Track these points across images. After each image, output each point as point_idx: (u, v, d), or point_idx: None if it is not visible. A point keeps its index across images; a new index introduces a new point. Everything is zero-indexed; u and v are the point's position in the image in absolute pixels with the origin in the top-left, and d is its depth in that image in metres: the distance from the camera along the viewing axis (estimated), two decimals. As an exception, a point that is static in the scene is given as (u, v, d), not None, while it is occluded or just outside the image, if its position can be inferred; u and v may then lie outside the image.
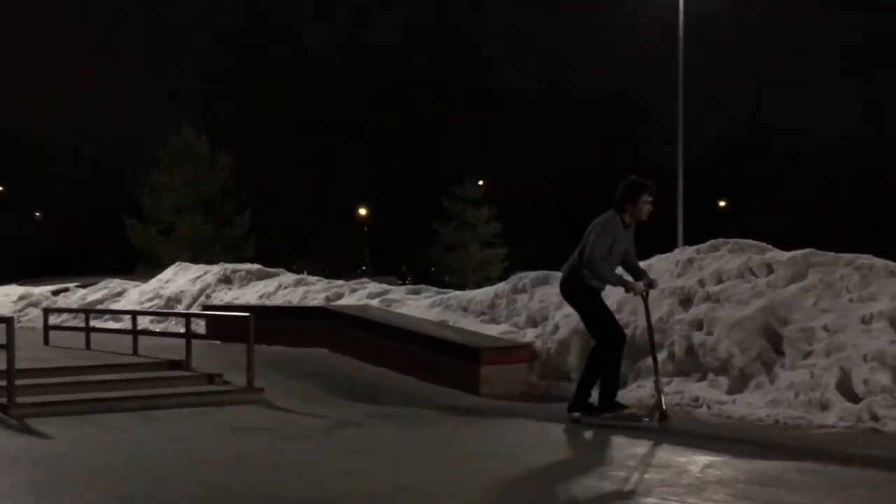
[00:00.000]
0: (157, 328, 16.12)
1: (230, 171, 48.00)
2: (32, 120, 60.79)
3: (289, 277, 18.52)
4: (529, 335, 11.83)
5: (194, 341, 11.68)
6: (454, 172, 59.50)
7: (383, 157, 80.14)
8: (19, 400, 9.22)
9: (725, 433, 8.12)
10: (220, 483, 6.51)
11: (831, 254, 10.73)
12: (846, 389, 8.71)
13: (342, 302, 15.96)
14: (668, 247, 13.49)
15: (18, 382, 9.32)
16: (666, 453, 7.39)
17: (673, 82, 32.49)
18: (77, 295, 22.02)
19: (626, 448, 7.61)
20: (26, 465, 7.10)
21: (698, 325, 10.28)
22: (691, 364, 10.04)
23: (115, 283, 22.02)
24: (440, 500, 6.06)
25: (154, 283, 20.94)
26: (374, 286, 16.96)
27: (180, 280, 20.14)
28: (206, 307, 17.16)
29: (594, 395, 8.94)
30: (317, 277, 19.04)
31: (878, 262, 10.41)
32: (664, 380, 10.02)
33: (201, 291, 18.82)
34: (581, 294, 8.89)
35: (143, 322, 15.60)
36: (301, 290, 17.33)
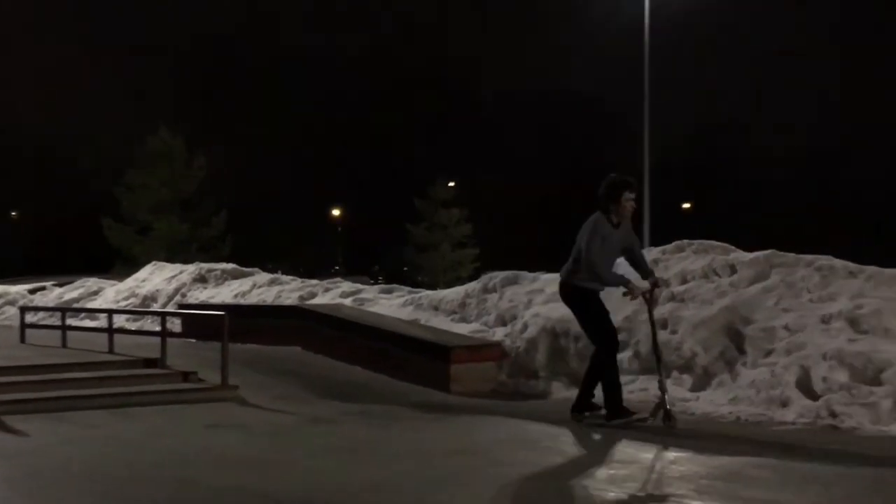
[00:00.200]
0: (133, 327, 16.02)
1: (206, 172, 47.83)
2: (8, 120, 60.32)
3: (263, 277, 18.47)
4: (499, 334, 11.85)
5: (170, 340, 11.62)
6: (426, 174, 59.62)
7: (357, 158, 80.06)
8: (-4, 397, 9.16)
9: (689, 430, 8.16)
10: (194, 479, 6.49)
11: (792, 255, 10.81)
12: (805, 387, 8.78)
13: (316, 301, 15.93)
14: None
15: (-5, 380, 9.26)
16: (631, 449, 7.41)
17: (639, 86, 32.60)
18: (54, 293, 21.86)
19: (593, 444, 7.63)
20: (1, 461, 7.06)
21: (663, 324, 10.32)
22: (656, 362, 10.07)
23: (91, 282, 21.88)
24: (411, 496, 6.07)
25: (130, 282, 20.82)
26: (347, 285, 16.94)
27: (156, 279, 20.04)
28: (181, 306, 17.09)
29: (597, 395, 8.85)
30: (291, 277, 18.97)
31: (838, 262, 10.49)
32: (630, 377, 10.07)
33: (177, 290, 18.74)
34: (577, 297, 8.76)
35: (119, 320, 15.50)
36: (275, 289, 17.28)
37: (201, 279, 19.03)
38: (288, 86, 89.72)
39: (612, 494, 5.93)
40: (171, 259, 28.50)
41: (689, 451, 7.26)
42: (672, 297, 10.67)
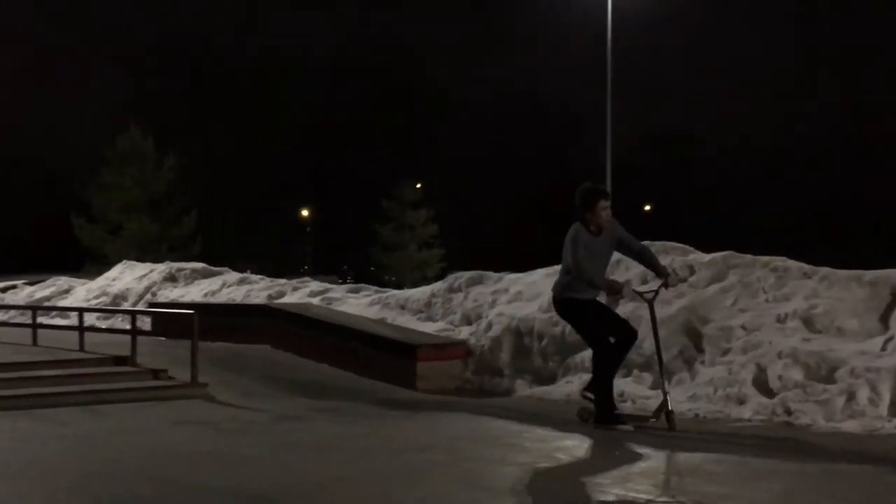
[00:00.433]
0: (104, 325, 15.86)
1: (177, 172, 47.56)
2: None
3: (233, 276, 18.38)
4: (464, 333, 11.85)
5: (140, 338, 11.54)
6: (393, 175, 59.57)
7: (326, 159, 79.79)
8: (-34, 395, 9.06)
9: (648, 427, 8.19)
10: (163, 475, 6.44)
11: (749, 256, 10.88)
12: (762, 385, 8.84)
13: (284, 300, 15.87)
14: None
15: (-35, 378, 9.16)
16: (591, 446, 7.44)
17: (602, 89, 32.74)
18: (25, 292, 21.63)
19: (556, 441, 7.65)
20: (-28, 458, 6.98)
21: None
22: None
23: (62, 281, 21.68)
24: (378, 491, 6.05)
25: (101, 280, 20.66)
26: (315, 285, 16.89)
27: (127, 278, 19.89)
28: (151, 304, 16.99)
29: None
30: (260, 276, 18.90)
31: (793, 263, 10.57)
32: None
33: (147, 289, 18.62)
34: (568, 310, 8.67)
35: (90, 319, 15.34)
36: (244, 288, 17.21)
37: (171, 278, 18.92)
38: (258, 87, 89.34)
39: (573, 490, 5.95)
40: (141, 258, 28.31)
41: (649, 447, 7.29)
42: (633, 297, 10.70)
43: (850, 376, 8.38)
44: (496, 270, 13.65)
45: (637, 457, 6.99)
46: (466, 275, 13.39)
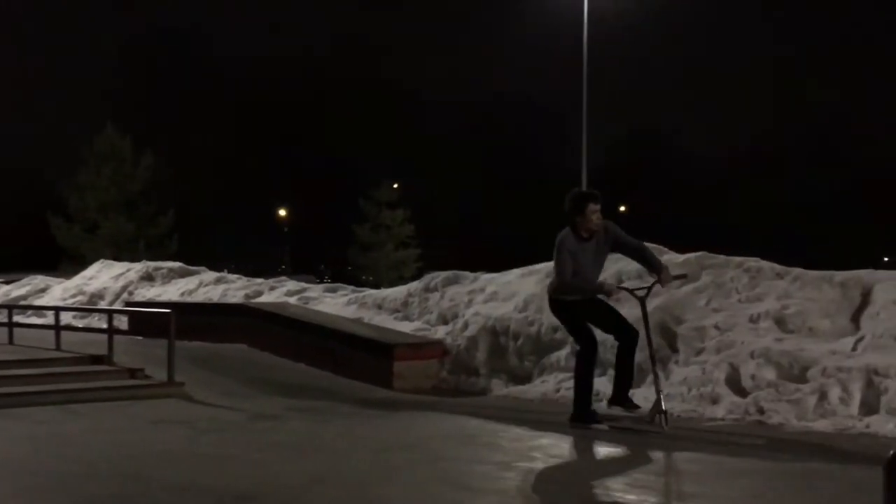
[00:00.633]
0: (80, 324, 15.76)
1: (154, 172, 47.34)
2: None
3: (210, 275, 18.31)
4: (440, 332, 11.85)
5: (117, 337, 11.48)
6: (370, 175, 59.48)
7: (303, 159, 79.63)
8: (-59, 394, 8.98)
9: (623, 426, 8.20)
10: (139, 475, 6.40)
11: (722, 256, 10.92)
12: (735, 384, 8.87)
13: (261, 299, 15.83)
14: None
15: (-59, 377, 9.08)
16: (567, 445, 7.46)
17: (578, 90, 32.81)
18: (0, 291, 21.47)
19: (531, 440, 7.66)
20: (-52, 458, 6.92)
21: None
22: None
23: (38, 280, 21.52)
24: (355, 490, 6.04)
25: (77, 279, 20.53)
26: (292, 284, 16.86)
27: (103, 277, 19.78)
28: (128, 304, 16.90)
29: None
30: (237, 275, 18.84)
31: (766, 264, 10.62)
32: (567, 374, 10.11)
33: (124, 288, 18.52)
34: (557, 309, 8.68)
35: (67, 318, 15.26)
36: (221, 287, 17.14)
37: (148, 277, 18.82)
38: (236, 86, 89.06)
39: (548, 489, 5.96)
40: (118, 257, 28.17)
41: (623, 446, 7.31)
42: (608, 297, 10.72)
43: (821, 376, 8.43)
44: (472, 270, 13.67)
45: (612, 456, 7.01)
46: (443, 275, 13.40)
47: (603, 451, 7.18)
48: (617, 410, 8.44)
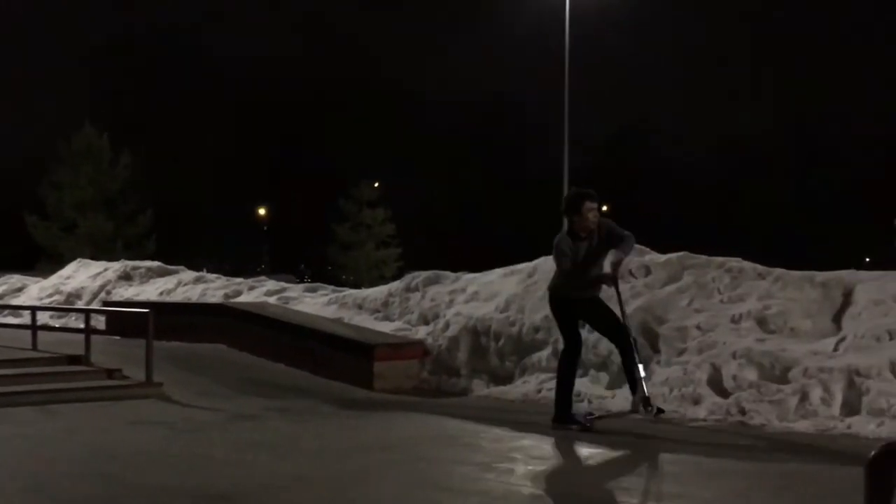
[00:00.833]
0: (57, 324, 15.68)
1: (132, 170, 47.14)
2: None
3: (188, 275, 18.23)
4: (421, 332, 11.84)
5: (94, 337, 11.42)
6: (350, 174, 59.39)
7: (283, 157, 79.44)
8: (-85, 394, 8.91)
9: (604, 426, 8.22)
10: (117, 476, 6.37)
11: (704, 257, 10.95)
12: (716, 385, 8.90)
13: (241, 299, 15.77)
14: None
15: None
16: (549, 446, 7.46)
17: (560, 90, 32.85)
18: (-24, 290, 21.34)
19: (512, 441, 7.66)
20: (-79, 459, 6.86)
21: (581, 323, 10.38)
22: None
23: (15, 279, 21.38)
24: (334, 491, 6.03)
25: (54, 279, 20.40)
26: (271, 284, 16.80)
27: (81, 276, 19.66)
28: (106, 303, 16.80)
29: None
30: (216, 275, 18.76)
31: (747, 264, 10.65)
32: (549, 375, 10.12)
33: (101, 288, 18.41)
34: (554, 306, 8.62)
35: (43, 317, 15.17)
36: (200, 287, 17.07)
37: (126, 277, 18.72)
38: (214, 85, 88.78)
39: (529, 490, 5.96)
40: (96, 256, 28.01)
41: (604, 447, 7.32)
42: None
43: (803, 376, 8.46)
44: (453, 270, 13.66)
45: (593, 457, 7.01)
46: (423, 274, 13.39)
47: (584, 452, 7.19)
48: (641, 411, 8.31)
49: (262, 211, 68.22)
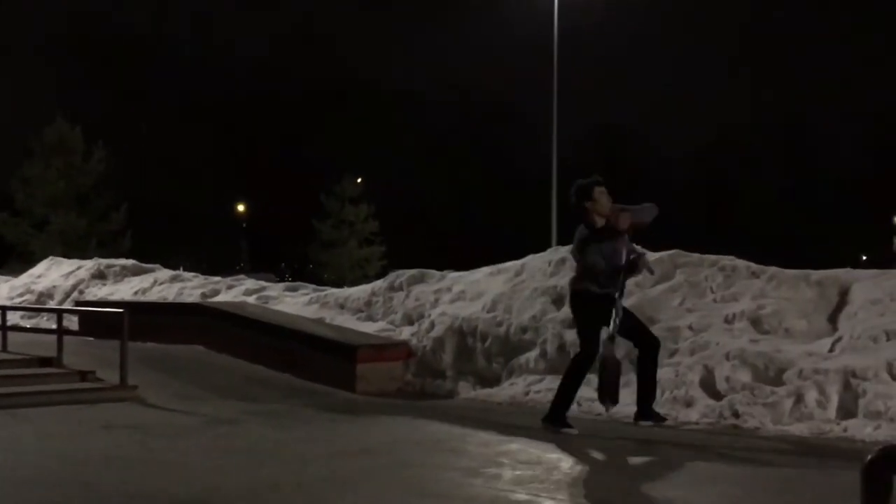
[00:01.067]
0: (28, 324, 15.63)
1: (106, 165, 46.97)
2: None
3: (164, 273, 18.20)
4: (405, 333, 11.84)
5: (66, 338, 11.37)
6: (333, 170, 59.31)
7: (262, 153, 79.30)
8: None
9: (595, 430, 8.23)
10: (90, 482, 6.35)
11: (696, 255, 10.99)
12: (709, 387, 8.92)
13: (219, 298, 15.75)
14: (541, 246, 13.65)
15: None
16: (537, 450, 7.46)
17: (548, 87, 32.90)
18: (-56, 289, 21.24)
19: (499, 445, 7.66)
20: None
21: (570, 323, 10.38)
22: (563, 362, 10.12)
23: (-17, 278, 21.32)
24: (315, 498, 6.02)
25: (25, 277, 20.32)
26: (251, 283, 16.78)
27: (53, 275, 19.60)
28: (79, 303, 16.74)
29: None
30: (193, 273, 18.73)
31: (741, 263, 10.69)
32: (537, 377, 10.14)
33: (74, 287, 18.35)
34: (581, 304, 8.43)
35: (14, 318, 15.11)
36: (177, 286, 17.04)
37: (100, 275, 18.67)
38: (192, 80, 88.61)
39: (518, 496, 5.96)
40: (68, 254, 27.93)
41: (596, 451, 7.33)
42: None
43: (798, 378, 8.50)
44: (439, 269, 13.67)
45: (583, 461, 7.02)
46: (408, 273, 13.39)
47: (573, 456, 7.19)
48: (646, 424, 8.34)
49: (240, 207, 68.08)
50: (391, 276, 13.72)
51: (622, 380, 9.47)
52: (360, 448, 7.58)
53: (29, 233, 45.26)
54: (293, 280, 24.28)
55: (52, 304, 17.66)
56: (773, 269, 10.45)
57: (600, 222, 8.37)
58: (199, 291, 16.41)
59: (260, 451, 7.48)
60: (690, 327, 9.74)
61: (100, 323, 12.68)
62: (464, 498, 5.93)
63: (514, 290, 11.40)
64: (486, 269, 12.63)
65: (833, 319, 9.55)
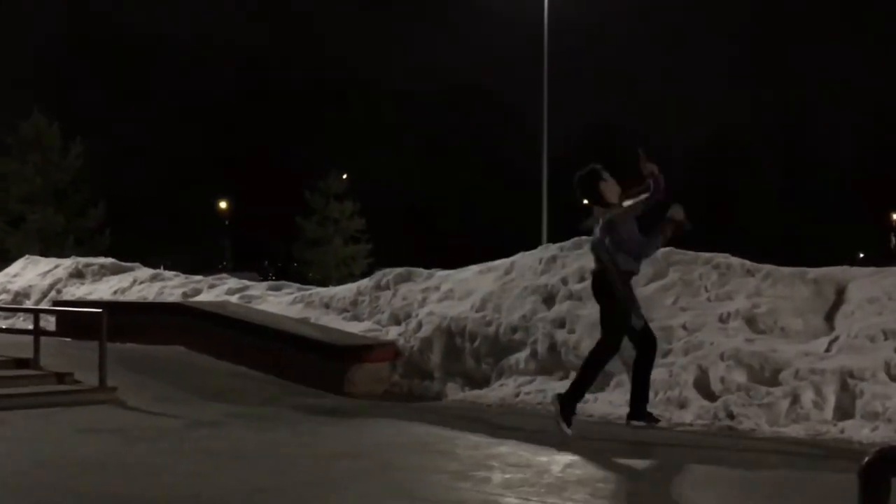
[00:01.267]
0: (4, 325, 15.59)
1: (84, 161, 46.86)
2: None
3: (144, 272, 18.16)
4: (392, 333, 11.83)
5: (43, 339, 11.34)
6: (318, 166, 59.20)
7: (245, 149, 79.15)
8: None
9: (587, 432, 8.24)
10: (69, 486, 6.33)
11: (691, 252, 11.00)
12: (703, 388, 8.94)
13: (200, 298, 15.72)
14: (532, 244, 13.66)
15: None
16: (527, 453, 7.46)
17: (539, 82, 32.94)
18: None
19: (488, 448, 7.66)
20: None
21: (561, 323, 10.42)
22: (554, 362, 10.18)
23: (-42, 278, 21.23)
24: (296, 501, 6.01)
25: (1, 277, 20.26)
26: (233, 282, 16.77)
27: (29, 274, 19.54)
28: (56, 303, 16.71)
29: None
30: (174, 272, 18.70)
31: (735, 260, 10.71)
32: (527, 378, 10.15)
33: (51, 286, 18.30)
34: (614, 288, 8.18)
35: (-11, 318, 15.10)
36: (157, 285, 17.01)
37: (78, 274, 18.62)
38: (173, 74, 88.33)
39: (508, 499, 5.96)
40: (45, 253, 27.90)
41: (586, 454, 7.33)
42: (570, 296, 10.78)
43: (794, 378, 8.51)
44: (426, 267, 13.66)
45: (574, 464, 7.02)
46: (395, 271, 13.39)
47: (564, 459, 7.19)
48: (638, 425, 8.24)
49: (223, 204, 67.92)
50: (377, 274, 13.72)
51: (614, 380, 9.53)
52: (345, 451, 7.57)
53: (5, 230, 45.14)
54: (277, 279, 24.24)
55: (28, 304, 17.61)
56: (768, 268, 10.46)
57: (610, 192, 8.31)
58: (180, 291, 16.38)
59: (242, 455, 7.47)
60: (684, 327, 9.76)
61: (78, 323, 12.65)
62: (452, 502, 5.93)
63: (504, 289, 11.40)
64: (474, 268, 12.62)
65: (830, 318, 9.57)
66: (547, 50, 31.94)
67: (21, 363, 10.92)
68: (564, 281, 11.06)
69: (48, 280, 18.65)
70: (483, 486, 6.32)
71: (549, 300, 10.92)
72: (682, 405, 8.81)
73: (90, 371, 10.38)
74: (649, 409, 8.53)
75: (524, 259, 12.15)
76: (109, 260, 19.52)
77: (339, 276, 48.91)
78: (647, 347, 8.40)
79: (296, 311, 13.62)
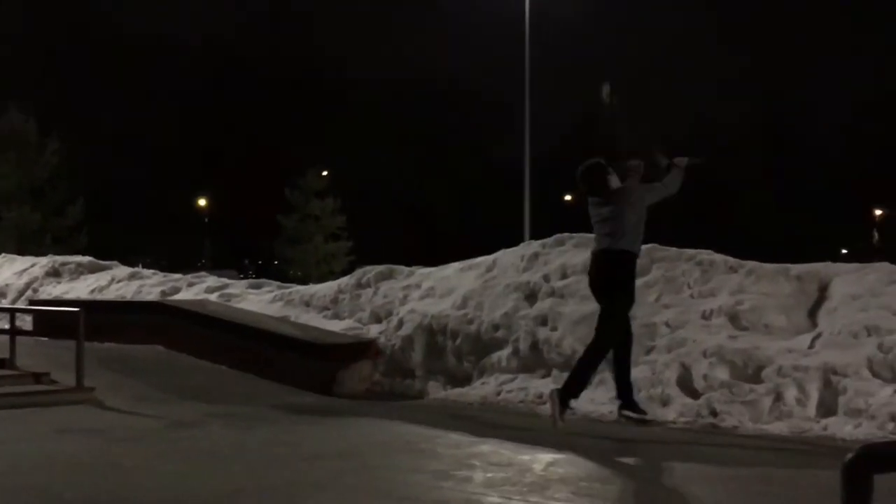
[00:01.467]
0: (-20, 324, 15.53)
1: (61, 158, 46.65)
2: None
3: (123, 270, 18.10)
4: (373, 331, 11.83)
5: (20, 338, 11.29)
6: (298, 163, 59.10)
7: (225, 145, 78.99)
8: None
9: (569, 430, 8.24)
10: (44, 488, 6.30)
11: (674, 249, 11.02)
12: (686, 385, 8.96)
13: (179, 297, 15.68)
14: (514, 241, 13.67)
15: None
16: (509, 451, 7.46)
17: (521, 77, 32.95)
18: None
19: (470, 447, 7.66)
20: None
21: (543, 320, 10.43)
22: (536, 360, 10.18)
23: (-67, 277, 21.10)
24: (279, 502, 6.00)
25: (-24, 276, 20.17)
26: (212, 280, 16.74)
27: (5, 273, 19.45)
28: (32, 302, 16.65)
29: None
30: (152, 271, 18.65)
31: (718, 257, 10.73)
32: (509, 376, 10.16)
33: (28, 285, 18.23)
34: (619, 270, 8.26)
35: (-36, 317, 15.00)
36: (135, 283, 16.96)
37: (55, 273, 18.55)
38: (149, 68, 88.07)
39: (490, 499, 5.96)
40: (21, 251, 27.73)
41: (569, 452, 7.34)
42: (552, 293, 10.80)
43: (777, 375, 8.54)
44: (408, 264, 13.66)
45: (557, 462, 7.03)
46: (376, 269, 13.38)
47: (547, 457, 7.20)
48: (632, 415, 8.29)
49: (202, 202, 67.72)
50: (358, 272, 13.71)
51: (597, 378, 9.53)
52: (326, 450, 7.56)
53: (-22, 228, 44.94)
54: (256, 277, 24.22)
55: (4, 303, 17.52)
56: (751, 264, 10.49)
57: (616, 184, 8.42)
58: (158, 289, 16.34)
59: (224, 455, 7.45)
60: (667, 324, 9.78)
61: (55, 322, 12.60)
62: (434, 501, 5.93)
63: (486, 287, 11.40)
64: (456, 265, 12.62)
65: (813, 315, 9.60)
66: (528, 46, 31.94)
67: (-3, 363, 10.88)
68: (546, 278, 11.07)
69: (24, 279, 18.57)
70: (465, 485, 6.32)
71: (531, 297, 10.92)
72: (665, 403, 8.83)
73: (67, 371, 10.34)
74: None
75: (506, 256, 12.15)
76: (87, 258, 19.46)
77: (320, 274, 48.85)
78: (626, 340, 8.44)
79: (276, 310, 13.59)
